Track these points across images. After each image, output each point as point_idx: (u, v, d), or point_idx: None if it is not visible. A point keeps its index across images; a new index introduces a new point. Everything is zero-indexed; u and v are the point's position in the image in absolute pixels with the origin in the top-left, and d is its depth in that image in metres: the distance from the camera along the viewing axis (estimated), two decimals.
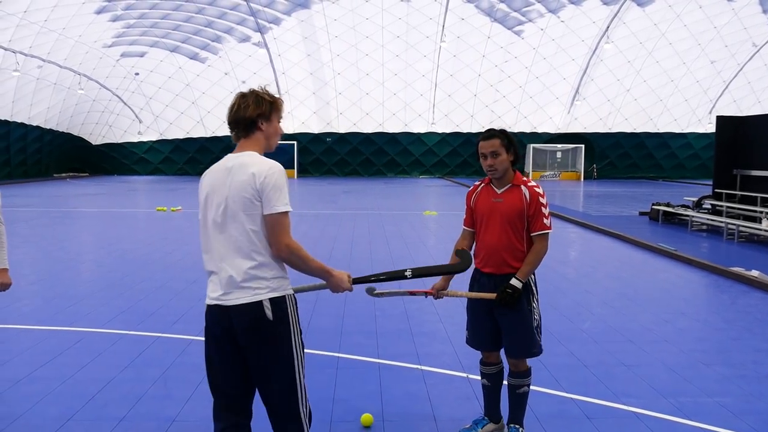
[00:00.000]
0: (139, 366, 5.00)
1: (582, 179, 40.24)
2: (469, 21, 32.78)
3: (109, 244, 11.90)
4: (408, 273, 3.23)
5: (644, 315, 6.78)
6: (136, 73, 37.16)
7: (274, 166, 2.66)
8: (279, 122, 2.86)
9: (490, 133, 3.62)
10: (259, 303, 2.60)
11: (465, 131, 40.64)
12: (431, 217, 16.76)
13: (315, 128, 41.06)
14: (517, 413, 3.73)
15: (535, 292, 3.71)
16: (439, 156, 41.74)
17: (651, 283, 8.56)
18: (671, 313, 6.88)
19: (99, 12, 28.41)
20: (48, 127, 36.71)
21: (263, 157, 2.73)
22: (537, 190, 3.61)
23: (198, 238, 2.91)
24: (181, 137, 42.23)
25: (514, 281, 3.56)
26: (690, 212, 14.91)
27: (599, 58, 35.47)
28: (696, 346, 5.72)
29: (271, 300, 2.63)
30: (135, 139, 42.76)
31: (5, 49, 26.45)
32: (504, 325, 3.67)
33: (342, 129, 40.91)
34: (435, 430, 3.96)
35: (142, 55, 35.46)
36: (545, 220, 3.60)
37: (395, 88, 38.01)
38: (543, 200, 3.60)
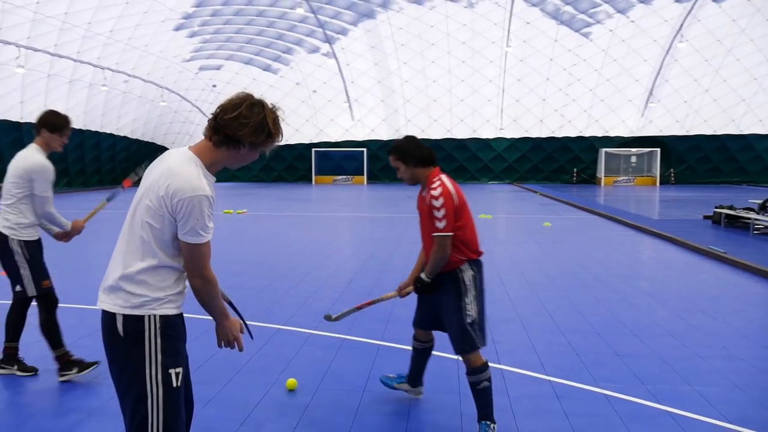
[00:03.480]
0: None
1: (658, 184, 38.98)
2: (534, 25, 32.56)
3: None
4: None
5: (661, 312, 6.82)
6: (214, 85, 38.96)
7: (198, 188, 2.37)
8: (260, 153, 2.57)
9: (388, 151, 3.91)
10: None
11: (534, 136, 40.24)
12: (484, 220, 16.88)
13: (384, 135, 41.70)
14: (484, 409, 3.77)
15: (467, 289, 3.81)
16: (508, 162, 41.48)
17: (684, 284, 8.49)
18: (690, 311, 6.88)
19: (177, 29, 30.10)
20: (134, 137, 39.03)
21: (194, 168, 2.43)
22: (433, 192, 3.72)
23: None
24: None
25: (422, 275, 3.87)
26: (752, 215, 14.40)
27: (673, 58, 34.36)
28: (701, 341, 5.76)
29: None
30: None
31: (94, 66, 28.43)
32: (444, 321, 3.92)
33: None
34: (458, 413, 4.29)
35: (218, 68, 37.17)
36: (437, 223, 3.69)
37: (462, 94, 38.13)
38: (436, 202, 3.69)
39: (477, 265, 3.90)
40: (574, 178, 40.74)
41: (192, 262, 2.43)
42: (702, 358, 5.24)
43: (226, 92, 33.96)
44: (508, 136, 40.58)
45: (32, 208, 4.62)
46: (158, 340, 2.41)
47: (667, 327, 6.20)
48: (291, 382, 4.52)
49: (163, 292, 2.43)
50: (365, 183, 41.15)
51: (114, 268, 2.47)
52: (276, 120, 2.58)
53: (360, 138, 42.15)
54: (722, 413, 4.11)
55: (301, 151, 43.13)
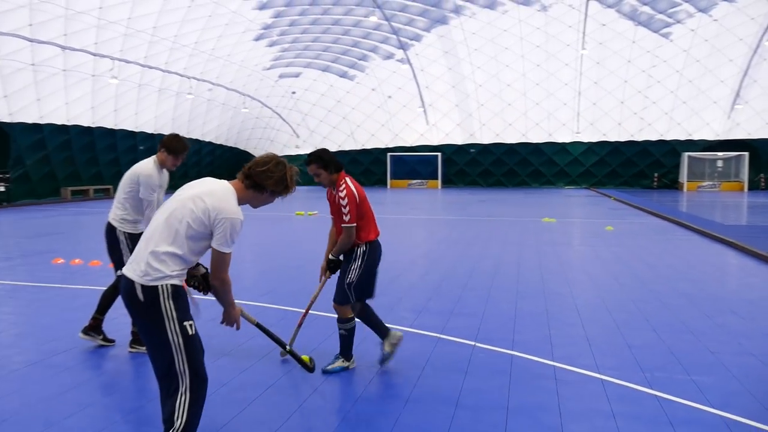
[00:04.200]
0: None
1: (746, 190, 37.21)
2: (611, 26, 31.94)
3: (262, 241, 13.64)
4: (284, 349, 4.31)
5: (689, 311, 6.91)
6: (293, 92, 40.41)
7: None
8: (269, 200, 3.36)
9: (309, 160, 4.84)
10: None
11: (612, 140, 39.34)
12: (547, 224, 16.93)
13: (458, 139, 41.89)
14: (342, 348, 4.96)
15: (354, 259, 4.90)
16: (585, 166, 40.72)
17: (725, 286, 8.47)
18: (721, 311, 6.93)
19: (257, 39, 31.51)
20: (218, 143, 41.02)
21: (233, 198, 3.20)
22: (340, 193, 4.80)
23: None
24: (334, 150, 44.98)
25: (330, 255, 4.99)
26: None
27: (762, 57, 32.80)
28: (718, 338, 5.87)
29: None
30: (293, 152, 46.25)
31: (181, 76, 30.20)
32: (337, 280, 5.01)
33: (485, 140, 41.34)
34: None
35: (297, 75, 38.52)
36: (345, 217, 4.79)
37: (538, 98, 37.81)
38: (343, 201, 4.77)
39: (372, 245, 4.98)
40: (655, 183, 39.49)
41: (216, 266, 3.21)
42: (712, 353, 5.38)
43: (305, 98, 35.46)
44: (585, 140, 39.86)
45: (136, 207, 5.45)
46: (171, 303, 3.10)
47: (689, 324, 6.32)
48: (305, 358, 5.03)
49: (174, 271, 3.13)
50: (439, 187, 41.44)
51: (145, 245, 3.15)
52: (293, 176, 3.37)
53: (434, 142, 42.51)
54: (708, 399, 4.31)
55: (377, 155, 43.94)
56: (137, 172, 5.40)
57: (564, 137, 40.12)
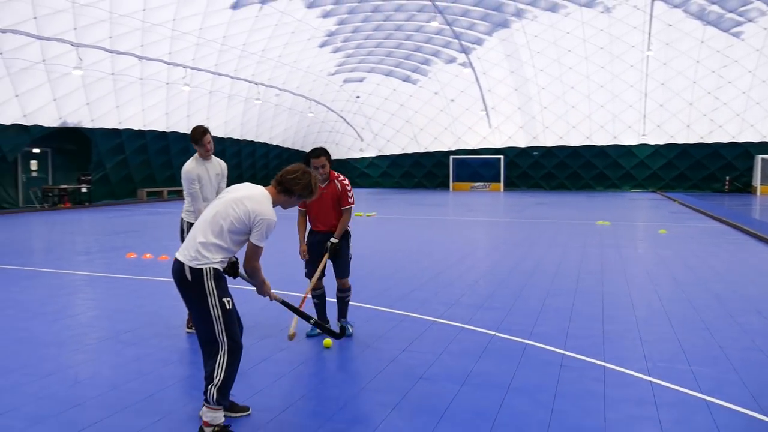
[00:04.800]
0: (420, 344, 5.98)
1: None
2: (677, 27, 31.29)
3: None
4: (312, 320, 4.71)
5: (714, 310, 7.12)
6: (357, 97, 41.38)
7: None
8: (296, 202, 4.05)
9: (318, 153, 5.66)
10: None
11: (681, 142, 38.34)
12: (601, 227, 16.99)
13: (521, 142, 41.80)
14: (344, 311, 6.08)
15: (349, 239, 6.02)
16: (652, 169, 39.84)
17: (761, 288, 8.52)
18: (746, 311, 7.09)
19: (322, 46, 32.56)
20: (285, 146, 42.43)
21: (268, 201, 3.88)
22: (344, 181, 5.86)
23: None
24: (397, 153, 45.74)
25: (333, 240, 5.83)
26: None
27: None
28: (733, 335, 6.09)
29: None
30: (357, 156, 47.30)
31: (249, 82, 31.57)
32: (336, 261, 5.95)
33: (548, 142, 41.10)
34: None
35: (361, 80, 39.44)
36: (349, 199, 5.84)
37: (602, 100, 37.34)
38: (348, 186, 5.85)
39: None
40: (727, 187, 38.24)
41: (250, 256, 3.91)
42: (720, 347, 5.66)
43: (369, 102, 36.34)
44: (652, 143, 39.02)
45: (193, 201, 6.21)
46: (213, 282, 3.81)
47: (709, 322, 6.56)
48: (327, 342, 5.64)
49: (216, 258, 3.84)
50: (502, 190, 41.47)
51: (195, 236, 3.88)
52: (316, 183, 4.06)
53: (497, 145, 42.56)
54: (700, 386, 4.64)
55: (440, 158, 44.34)
56: (182, 169, 6.18)
57: (630, 140, 39.40)
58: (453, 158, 43.46)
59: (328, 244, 5.87)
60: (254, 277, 4.05)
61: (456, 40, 34.38)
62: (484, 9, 31.19)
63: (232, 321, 3.85)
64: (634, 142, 39.48)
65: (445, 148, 44.04)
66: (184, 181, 6.12)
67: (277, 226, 3.90)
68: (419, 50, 36.18)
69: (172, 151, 30.11)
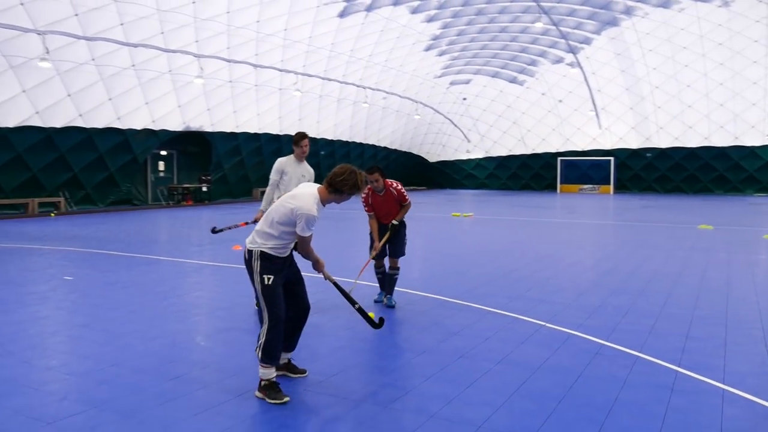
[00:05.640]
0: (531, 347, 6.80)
1: None
2: None
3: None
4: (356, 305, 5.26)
5: (740, 311, 7.14)
6: (464, 99, 41.78)
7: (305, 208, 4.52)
8: (347, 198, 4.68)
9: (373, 170, 6.99)
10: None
11: None
12: (703, 231, 16.53)
13: (633, 144, 40.49)
14: (392, 288, 7.44)
15: (405, 229, 7.48)
16: None
17: None
18: None
19: (427, 49, 33.30)
20: (393, 148, 43.61)
21: (312, 199, 4.53)
22: (398, 187, 7.23)
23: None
24: (504, 154, 45.65)
25: (394, 221, 7.25)
26: None
27: None
28: (750, 332, 6.18)
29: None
30: (464, 157, 47.65)
31: (357, 86, 32.88)
32: (395, 243, 7.33)
33: (662, 144, 39.52)
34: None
35: (467, 82, 39.82)
36: (407, 197, 7.25)
37: (721, 99, 35.45)
38: (402, 190, 7.23)
39: None
40: None
41: (300, 242, 4.67)
42: (737, 344, 5.80)
43: (475, 104, 36.66)
44: None
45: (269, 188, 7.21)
46: (259, 262, 4.63)
47: (752, 323, 6.63)
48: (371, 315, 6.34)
49: (267, 244, 4.63)
50: (611, 193, 40.36)
51: (258, 224, 4.75)
52: (362, 181, 4.68)
53: (607, 147, 41.46)
54: (724, 378, 4.90)
55: (548, 160, 43.79)
56: None
57: (753, 140, 37.09)
58: (561, 160, 42.80)
59: (390, 225, 7.28)
60: (308, 258, 4.82)
61: (563, 40, 33.98)
62: (591, 8, 30.65)
63: (273, 295, 4.57)
64: (758, 143, 37.15)
65: (553, 150, 43.44)
66: (272, 172, 7.11)
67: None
68: (525, 51, 36.05)
69: (284, 152, 31.83)
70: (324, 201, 4.66)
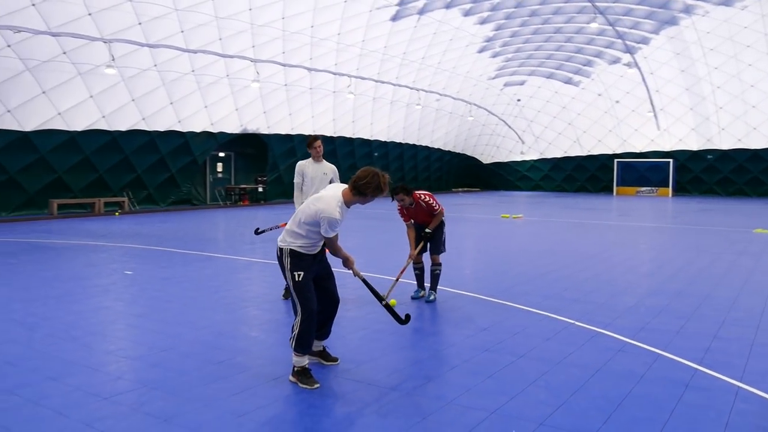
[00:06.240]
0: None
1: None
2: None
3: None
4: (384, 302, 5.51)
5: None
6: (518, 100, 41.56)
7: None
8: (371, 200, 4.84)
9: (396, 191, 7.39)
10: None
11: None
12: (759, 235, 16.15)
13: (693, 145, 39.44)
14: (435, 285, 7.84)
15: (443, 228, 7.94)
16: None
17: None
18: None
19: (480, 51, 33.36)
20: (446, 149, 43.77)
21: (335, 202, 4.76)
22: (428, 199, 7.64)
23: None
24: (559, 156, 45.16)
25: (427, 230, 7.71)
26: None
27: None
28: (755, 322, 6.19)
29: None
30: (518, 159, 47.37)
31: (410, 88, 33.23)
32: (433, 242, 7.81)
33: (724, 145, 38.36)
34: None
35: (521, 83, 39.62)
36: (436, 207, 7.66)
37: None
38: (432, 202, 7.65)
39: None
40: None
41: (328, 243, 5.02)
42: (763, 346, 5.85)
43: (530, 105, 36.61)
44: None
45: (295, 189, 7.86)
46: (289, 259, 4.95)
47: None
48: (393, 302, 6.65)
49: (296, 243, 4.94)
50: (670, 195, 39.41)
51: (289, 223, 5.08)
52: (385, 183, 4.81)
53: (666, 148, 40.52)
54: (740, 376, 5.01)
55: (604, 161, 43.09)
56: None
57: None
58: (618, 161, 42.04)
59: (423, 234, 7.77)
60: (337, 255, 5.15)
61: (619, 40, 33.43)
62: (649, 7, 30.08)
63: (304, 290, 4.87)
64: None
65: (609, 151, 42.71)
66: (295, 174, 7.78)
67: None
68: (580, 52, 35.63)
69: (339, 153, 32.61)
70: (348, 203, 4.86)
